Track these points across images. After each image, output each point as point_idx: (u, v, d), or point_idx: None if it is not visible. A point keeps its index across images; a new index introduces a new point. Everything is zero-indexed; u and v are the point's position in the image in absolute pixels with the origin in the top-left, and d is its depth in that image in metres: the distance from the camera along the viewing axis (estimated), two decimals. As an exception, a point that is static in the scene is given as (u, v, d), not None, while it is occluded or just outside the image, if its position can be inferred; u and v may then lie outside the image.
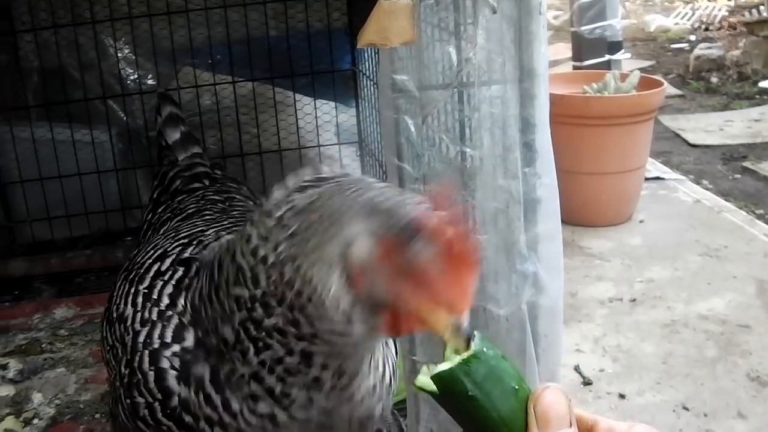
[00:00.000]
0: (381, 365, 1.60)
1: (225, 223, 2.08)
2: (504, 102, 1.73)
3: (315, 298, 1.31)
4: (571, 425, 1.04)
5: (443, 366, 1.15)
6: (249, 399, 1.48)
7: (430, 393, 1.15)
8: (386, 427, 2.07)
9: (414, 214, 1.24)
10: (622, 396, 3.61)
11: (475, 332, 1.19)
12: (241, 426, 1.51)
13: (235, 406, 1.50)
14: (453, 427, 2.03)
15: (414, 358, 1.97)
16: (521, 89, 1.74)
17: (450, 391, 1.13)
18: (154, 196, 2.79)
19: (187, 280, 1.67)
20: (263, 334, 1.39)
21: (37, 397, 3.52)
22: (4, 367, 3.76)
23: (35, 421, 3.36)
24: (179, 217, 2.38)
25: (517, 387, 1.12)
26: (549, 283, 1.84)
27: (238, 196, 2.62)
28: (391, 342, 1.75)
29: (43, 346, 3.96)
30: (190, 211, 2.42)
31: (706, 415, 3.45)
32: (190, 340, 1.58)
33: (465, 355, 1.14)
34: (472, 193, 1.76)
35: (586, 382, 3.71)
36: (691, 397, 3.57)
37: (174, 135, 2.96)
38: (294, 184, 1.40)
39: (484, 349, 1.15)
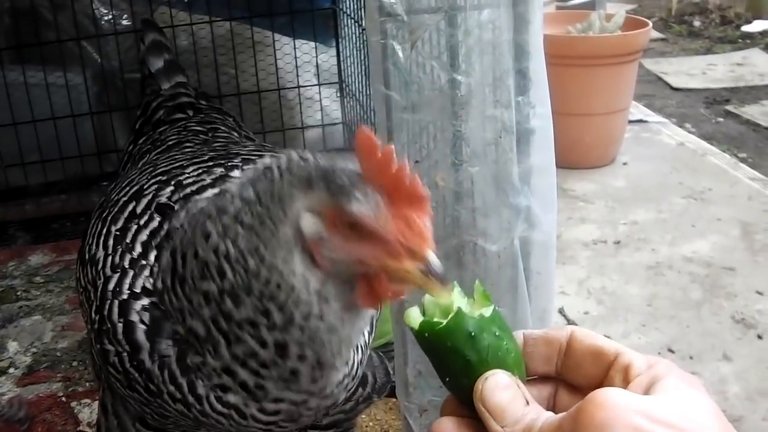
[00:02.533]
0: (351, 359, 1.57)
1: (205, 157, 2.00)
2: (497, 27, 1.66)
3: (284, 284, 1.30)
4: (528, 403, 0.98)
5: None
6: (218, 388, 1.45)
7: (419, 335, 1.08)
8: (371, 370, 2.02)
9: (345, 173, 1.22)
10: (607, 338, 3.58)
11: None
12: (206, 409, 1.48)
13: (201, 390, 1.47)
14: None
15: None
16: (515, 13, 1.67)
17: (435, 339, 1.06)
18: (137, 126, 2.71)
19: (160, 236, 1.62)
20: (235, 327, 1.36)
21: (12, 346, 3.47)
22: (-21, 315, 3.70)
23: (11, 370, 3.32)
24: (158, 150, 2.31)
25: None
26: (542, 218, 1.78)
27: (222, 127, 2.54)
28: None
29: (19, 293, 3.91)
30: (170, 143, 2.35)
31: (691, 357, 3.45)
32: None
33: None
34: (463, 122, 1.69)
35: (571, 324, 3.69)
36: (677, 339, 3.57)
37: (157, 63, 2.88)
38: (247, 177, 1.37)
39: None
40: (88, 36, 4.60)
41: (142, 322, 1.52)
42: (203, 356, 1.43)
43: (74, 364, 3.32)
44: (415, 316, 1.09)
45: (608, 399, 0.85)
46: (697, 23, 10.03)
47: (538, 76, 1.73)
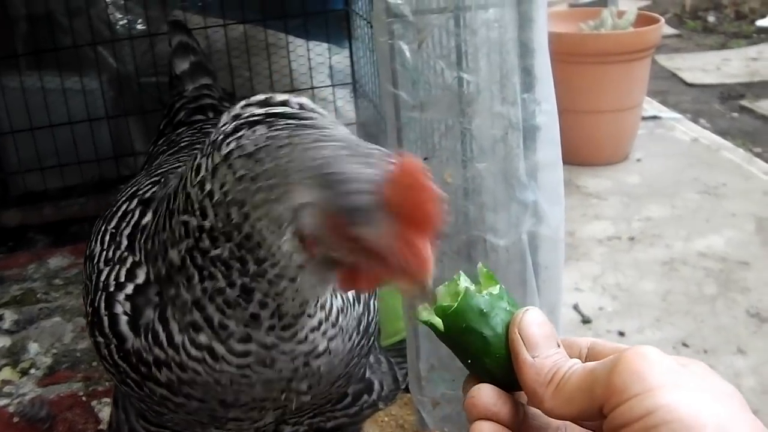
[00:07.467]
0: (328, 303, 1.55)
1: None
2: (502, 26, 1.69)
3: (265, 246, 1.29)
4: (558, 345, 1.00)
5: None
6: (190, 329, 1.47)
7: (434, 326, 1.09)
8: (379, 378, 2.04)
9: (368, 188, 1.14)
10: (621, 333, 3.60)
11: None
12: (183, 359, 1.50)
13: (178, 338, 1.49)
14: (453, 362, 2.02)
15: (413, 293, 1.94)
16: (519, 12, 1.70)
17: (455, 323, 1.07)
18: (161, 127, 2.75)
19: (143, 221, 1.67)
20: (208, 263, 1.37)
21: (33, 347, 3.51)
22: (0, 318, 3.73)
23: (32, 371, 3.35)
24: (170, 151, 2.34)
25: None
26: (549, 213, 1.81)
27: None
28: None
29: (39, 295, 3.94)
30: (182, 144, 2.37)
31: (706, 352, 3.45)
32: (141, 276, 1.57)
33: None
34: (470, 120, 1.72)
35: (586, 321, 3.71)
36: (691, 333, 3.58)
37: (182, 65, 2.88)
38: (244, 115, 1.32)
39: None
40: (104, 41, 4.65)
41: (125, 313, 1.56)
42: (177, 288, 1.45)
43: (94, 364, 3.35)
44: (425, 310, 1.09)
45: (649, 353, 0.87)
46: (711, 19, 9.99)
47: (543, 73, 1.76)
